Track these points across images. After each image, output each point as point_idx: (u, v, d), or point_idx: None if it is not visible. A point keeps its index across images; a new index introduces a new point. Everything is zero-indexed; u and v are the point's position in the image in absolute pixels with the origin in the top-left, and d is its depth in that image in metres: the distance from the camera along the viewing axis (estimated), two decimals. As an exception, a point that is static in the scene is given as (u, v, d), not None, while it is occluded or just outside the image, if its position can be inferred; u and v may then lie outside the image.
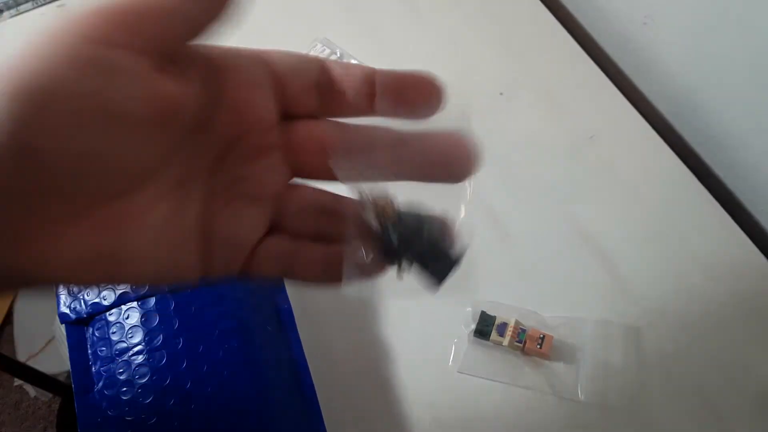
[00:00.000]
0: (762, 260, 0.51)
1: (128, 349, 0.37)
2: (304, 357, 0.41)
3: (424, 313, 0.48)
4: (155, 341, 0.37)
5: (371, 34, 0.64)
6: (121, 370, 0.37)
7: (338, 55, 0.61)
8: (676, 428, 0.44)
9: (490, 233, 0.52)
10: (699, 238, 0.52)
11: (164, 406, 0.35)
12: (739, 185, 0.56)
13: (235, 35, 0.59)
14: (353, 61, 0.61)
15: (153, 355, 0.37)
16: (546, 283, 0.50)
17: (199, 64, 0.24)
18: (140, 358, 0.37)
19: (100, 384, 0.37)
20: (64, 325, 0.39)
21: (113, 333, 0.38)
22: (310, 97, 0.26)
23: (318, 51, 0.61)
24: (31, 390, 1.30)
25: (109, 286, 0.39)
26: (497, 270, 0.50)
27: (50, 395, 1.29)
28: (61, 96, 0.19)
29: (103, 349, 0.38)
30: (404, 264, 0.25)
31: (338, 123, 0.27)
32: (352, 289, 0.26)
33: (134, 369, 0.36)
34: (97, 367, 0.38)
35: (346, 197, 0.27)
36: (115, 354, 0.37)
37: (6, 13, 0.66)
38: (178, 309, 0.38)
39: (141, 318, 0.38)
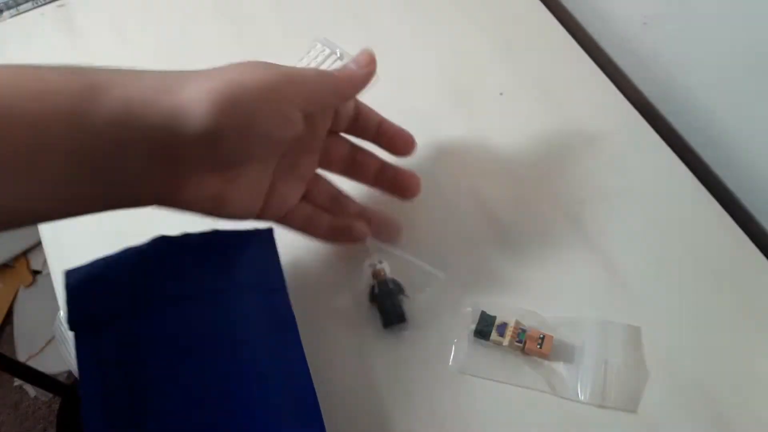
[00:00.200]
0: (762, 260, 0.51)
1: (132, 357, 0.37)
2: (304, 360, 0.41)
3: (423, 314, 0.48)
4: (158, 349, 0.37)
5: (371, 34, 0.64)
6: (125, 380, 0.36)
7: (338, 54, 0.61)
8: (676, 429, 0.44)
9: (490, 233, 0.52)
10: (699, 238, 0.52)
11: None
12: (738, 185, 0.56)
13: (236, 36, 0.59)
14: (353, 61, 0.61)
15: (156, 365, 0.36)
16: (546, 283, 0.50)
17: None
18: (144, 373, 0.36)
19: (108, 391, 0.37)
20: (72, 332, 0.39)
21: (120, 341, 0.37)
22: (346, 123, 0.45)
23: (318, 50, 0.61)
24: (31, 390, 1.31)
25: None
26: (497, 270, 0.50)
27: (50, 395, 1.29)
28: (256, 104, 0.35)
29: (112, 357, 0.37)
30: (376, 305, 0.47)
31: (350, 142, 0.47)
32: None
33: (139, 382, 0.36)
34: (105, 373, 0.37)
35: (346, 193, 0.47)
36: (121, 363, 0.37)
37: (6, 13, 0.66)
38: (188, 323, 0.38)
39: (147, 333, 0.37)
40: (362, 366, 0.46)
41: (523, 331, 0.46)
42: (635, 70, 0.63)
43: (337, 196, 0.47)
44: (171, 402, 0.35)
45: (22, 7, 0.67)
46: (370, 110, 0.46)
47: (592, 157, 0.56)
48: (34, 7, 0.67)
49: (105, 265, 0.40)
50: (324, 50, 0.61)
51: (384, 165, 0.48)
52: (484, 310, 0.47)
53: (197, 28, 0.65)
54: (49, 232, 0.53)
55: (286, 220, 0.44)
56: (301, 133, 0.37)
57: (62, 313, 0.47)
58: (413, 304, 0.48)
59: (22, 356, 1.30)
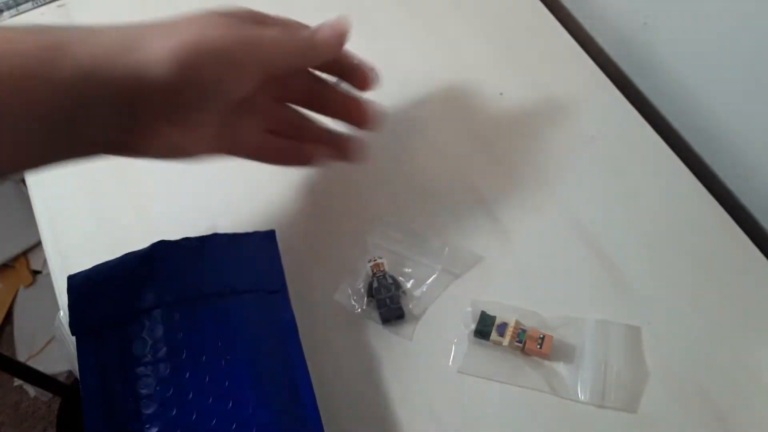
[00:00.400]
0: (762, 260, 0.51)
1: (134, 362, 0.37)
2: (304, 362, 0.41)
3: (423, 313, 0.48)
4: (159, 354, 0.37)
5: (370, 33, 0.64)
6: (126, 385, 0.36)
7: (338, 55, 0.61)
8: (676, 429, 0.44)
9: (490, 233, 0.52)
10: (699, 238, 0.52)
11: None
12: (739, 185, 0.56)
13: (235, 35, 0.56)
14: (353, 61, 0.61)
15: (157, 368, 0.36)
16: (546, 283, 0.50)
17: None
18: (145, 377, 0.36)
19: (110, 396, 0.37)
20: (75, 337, 0.39)
21: (122, 346, 0.37)
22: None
23: (318, 51, 0.61)
24: (30, 390, 1.31)
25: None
26: (497, 270, 0.50)
27: (50, 395, 1.29)
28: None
29: (114, 361, 0.37)
30: (374, 300, 0.48)
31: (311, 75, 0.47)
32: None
33: (140, 386, 0.36)
34: (106, 379, 0.37)
35: (309, 118, 0.47)
36: (123, 367, 0.37)
37: (6, 13, 0.66)
38: (183, 323, 0.38)
39: (146, 336, 0.37)
40: (362, 365, 0.46)
41: (523, 331, 0.46)
42: (635, 70, 0.63)
43: (301, 122, 0.47)
44: (170, 405, 0.35)
45: (21, 7, 0.66)
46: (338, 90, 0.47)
47: (592, 157, 0.56)
48: (34, 7, 0.67)
49: (106, 271, 0.40)
50: (324, 50, 0.61)
51: (345, 98, 0.48)
52: (484, 310, 0.47)
53: (197, 28, 0.65)
54: (49, 232, 0.53)
55: (250, 155, 0.46)
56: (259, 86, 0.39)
57: (62, 313, 0.47)
58: (412, 301, 0.48)
59: (22, 356, 1.30)
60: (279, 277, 0.44)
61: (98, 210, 0.54)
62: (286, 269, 0.50)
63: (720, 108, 0.55)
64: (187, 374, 0.36)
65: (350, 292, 0.49)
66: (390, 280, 0.48)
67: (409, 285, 0.49)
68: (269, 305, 0.42)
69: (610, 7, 0.63)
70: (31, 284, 1.40)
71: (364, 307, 0.48)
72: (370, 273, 0.49)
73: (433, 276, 0.49)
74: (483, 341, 0.46)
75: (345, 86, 0.49)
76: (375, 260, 0.49)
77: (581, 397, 0.45)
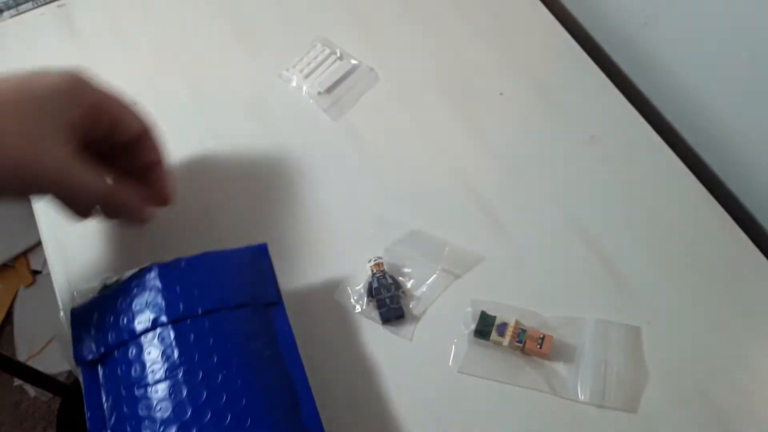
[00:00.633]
0: (762, 260, 0.51)
1: (133, 385, 0.38)
2: (305, 376, 0.41)
3: (423, 313, 0.48)
4: (157, 375, 0.37)
5: (371, 33, 0.64)
6: (127, 408, 0.37)
7: (338, 54, 0.61)
8: (676, 429, 0.44)
9: (490, 233, 0.52)
10: (699, 238, 0.52)
11: None
12: (739, 185, 0.56)
13: (236, 36, 0.59)
14: (353, 61, 0.61)
15: (155, 389, 0.37)
16: (546, 283, 0.50)
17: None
18: (145, 399, 0.37)
19: (112, 421, 0.38)
20: (80, 368, 0.40)
21: (119, 373, 0.38)
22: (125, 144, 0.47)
23: (318, 50, 0.61)
24: (30, 390, 1.30)
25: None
26: (497, 270, 0.50)
27: (50, 395, 1.29)
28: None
29: (114, 386, 0.38)
30: (374, 300, 0.48)
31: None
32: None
33: (141, 408, 0.37)
34: (109, 403, 0.38)
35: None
36: (124, 390, 0.38)
37: (6, 13, 0.66)
38: (179, 340, 0.39)
39: (146, 355, 0.38)
40: (362, 365, 0.46)
41: (523, 331, 0.46)
42: (635, 70, 0.63)
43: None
44: (170, 425, 0.36)
45: (22, 7, 0.66)
46: (151, 150, 0.47)
47: (592, 156, 0.56)
48: (34, 7, 0.67)
49: (104, 299, 0.41)
50: (324, 50, 0.61)
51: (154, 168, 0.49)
52: (484, 310, 0.47)
53: (196, 27, 0.65)
54: (50, 232, 0.53)
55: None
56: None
57: (62, 314, 0.48)
58: (412, 301, 0.48)
59: (22, 356, 1.30)
60: (274, 290, 0.44)
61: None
62: (286, 270, 0.50)
63: (720, 108, 0.55)
64: (185, 392, 0.37)
65: (350, 292, 0.49)
66: (390, 280, 0.48)
67: (409, 285, 0.49)
68: (266, 318, 0.42)
69: (611, 7, 0.63)
70: (31, 284, 1.40)
71: (364, 307, 0.48)
72: (370, 273, 0.49)
73: (433, 276, 0.49)
74: (483, 341, 0.46)
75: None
76: (375, 260, 0.49)
77: (581, 397, 0.45)
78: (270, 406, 0.38)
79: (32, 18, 0.66)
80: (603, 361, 0.46)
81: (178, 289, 0.40)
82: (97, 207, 0.44)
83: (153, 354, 0.38)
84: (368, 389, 0.45)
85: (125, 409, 0.37)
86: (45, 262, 1.35)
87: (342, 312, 0.48)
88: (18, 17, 0.66)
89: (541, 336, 0.45)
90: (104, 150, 0.45)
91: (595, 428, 0.44)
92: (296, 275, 0.50)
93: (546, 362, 0.46)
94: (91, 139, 0.43)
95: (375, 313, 0.48)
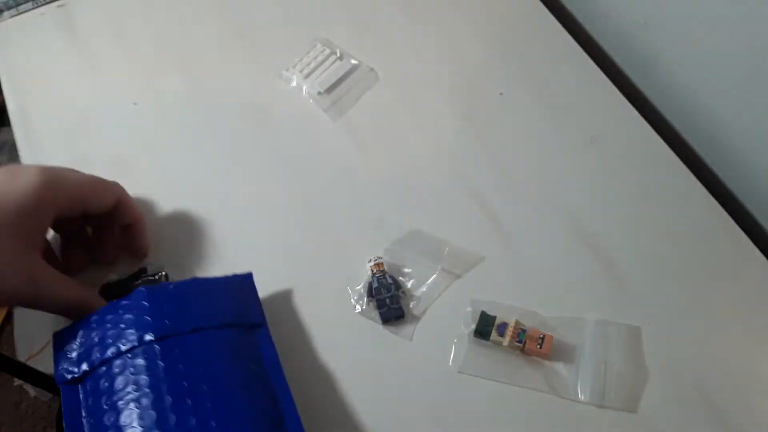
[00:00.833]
0: (762, 260, 0.51)
1: (116, 398, 0.38)
2: (289, 394, 0.42)
3: (423, 313, 0.48)
4: (142, 390, 0.38)
5: (371, 34, 0.64)
6: (108, 420, 0.37)
7: (338, 54, 0.61)
8: (676, 429, 0.44)
9: (490, 233, 0.52)
10: (699, 238, 0.52)
11: None
12: (739, 185, 0.56)
13: (236, 36, 0.59)
14: (353, 61, 0.61)
15: (138, 401, 0.37)
16: (546, 283, 0.50)
17: None
18: (128, 410, 0.37)
19: None
20: (60, 387, 0.41)
21: (103, 389, 0.39)
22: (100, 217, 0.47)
23: (318, 51, 0.61)
24: (30, 390, 1.30)
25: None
26: (497, 270, 0.50)
27: (50, 395, 1.29)
28: None
29: (96, 401, 0.39)
30: (374, 300, 0.48)
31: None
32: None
33: (123, 419, 0.37)
34: (90, 419, 0.38)
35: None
36: (106, 404, 0.38)
37: (6, 13, 0.66)
38: (165, 355, 0.39)
39: (131, 370, 0.39)
40: (362, 365, 0.46)
41: (523, 331, 0.46)
42: (635, 70, 0.63)
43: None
44: (153, 430, 0.36)
45: (22, 7, 0.66)
46: (126, 213, 0.48)
47: (592, 156, 0.56)
48: (35, 7, 0.67)
49: (89, 322, 0.42)
50: (324, 50, 0.61)
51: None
52: (484, 310, 0.47)
53: (197, 27, 0.65)
54: (50, 232, 0.53)
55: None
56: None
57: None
58: (412, 301, 0.48)
59: (22, 356, 1.30)
60: (258, 313, 0.45)
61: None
62: (286, 270, 0.50)
63: (720, 108, 0.55)
64: (169, 404, 0.37)
65: (350, 292, 0.49)
66: (390, 280, 0.48)
67: (409, 285, 0.49)
68: (250, 338, 0.43)
69: (611, 7, 0.63)
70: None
71: (364, 307, 0.48)
72: (370, 273, 0.49)
73: (433, 276, 0.49)
74: (483, 341, 0.46)
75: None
76: (375, 260, 0.49)
77: (581, 396, 0.45)
78: (253, 420, 0.38)
79: (32, 18, 0.66)
80: (603, 361, 0.46)
81: (165, 308, 0.41)
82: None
83: (138, 369, 0.38)
84: (368, 389, 0.45)
85: (106, 420, 0.37)
86: (45, 262, 1.35)
87: (342, 312, 0.48)
88: (18, 17, 0.66)
89: (541, 336, 0.45)
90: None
91: (595, 428, 0.44)
92: (296, 275, 0.50)
93: (546, 362, 0.46)
94: (66, 224, 0.45)
95: (375, 313, 0.48)
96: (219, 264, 0.50)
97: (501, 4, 0.66)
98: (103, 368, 0.39)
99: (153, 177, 0.55)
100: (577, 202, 0.54)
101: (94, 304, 0.44)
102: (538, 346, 0.45)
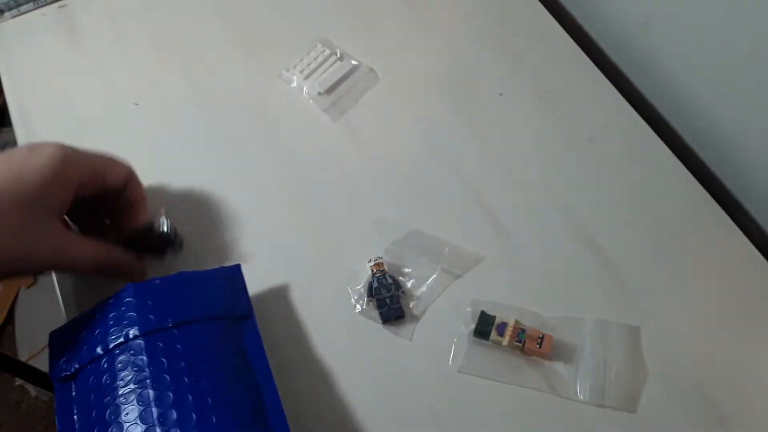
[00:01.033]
0: (761, 260, 0.51)
1: (103, 393, 0.39)
2: (272, 383, 0.42)
3: (423, 313, 0.48)
4: (128, 386, 0.38)
5: (371, 35, 0.64)
6: (96, 414, 0.38)
7: (338, 55, 0.61)
8: (675, 428, 0.44)
9: (490, 233, 0.52)
10: (697, 238, 0.52)
11: None
12: (737, 186, 0.56)
13: (237, 37, 0.59)
14: (353, 62, 0.61)
15: (124, 396, 0.38)
16: (545, 283, 0.50)
17: None
18: (115, 406, 0.38)
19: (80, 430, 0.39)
20: (54, 384, 0.42)
21: (92, 385, 0.40)
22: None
23: (318, 51, 0.61)
24: (31, 389, 1.31)
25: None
26: (497, 270, 0.50)
27: (51, 395, 1.29)
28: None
29: (85, 397, 0.40)
30: (374, 300, 0.48)
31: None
32: None
33: (108, 414, 0.38)
34: (79, 415, 0.39)
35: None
36: (94, 400, 0.39)
37: (7, 14, 0.66)
38: (150, 350, 0.40)
39: (117, 366, 0.39)
40: (362, 365, 0.46)
41: (523, 330, 0.46)
42: (634, 70, 0.63)
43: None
44: (138, 425, 0.37)
45: (23, 8, 0.67)
46: (134, 190, 0.49)
47: (591, 157, 0.56)
48: (36, 8, 0.67)
49: (82, 319, 0.43)
50: (324, 50, 0.62)
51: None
52: (484, 309, 0.47)
53: (197, 28, 0.65)
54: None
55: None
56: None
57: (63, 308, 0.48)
58: (412, 301, 0.49)
59: (23, 356, 1.31)
60: (245, 304, 0.45)
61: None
62: (286, 270, 0.50)
63: (718, 108, 0.56)
64: (152, 396, 0.38)
65: (350, 291, 0.49)
66: (390, 280, 0.48)
67: (409, 285, 0.49)
68: (236, 331, 0.44)
69: (610, 8, 0.63)
70: (32, 284, 1.40)
71: (365, 307, 0.48)
72: (371, 273, 0.49)
73: (433, 276, 0.50)
74: (483, 341, 0.46)
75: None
76: (375, 260, 0.49)
77: (581, 396, 0.45)
78: (235, 410, 0.39)
79: (33, 18, 0.66)
80: (602, 361, 0.46)
81: (150, 303, 0.42)
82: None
83: (123, 365, 0.39)
84: (368, 388, 0.45)
85: (93, 415, 0.38)
86: (46, 261, 1.35)
87: (342, 312, 0.49)
88: (19, 18, 0.66)
89: (541, 336, 0.46)
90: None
91: (595, 427, 0.44)
92: (297, 275, 0.50)
93: (545, 362, 0.46)
94: (80, 198, 0.45)
95: (375, 313, 0.48)
96: (219, 264, 0.50)
97: (500, 4, 0.66)
98: (93, 365, 0.40)
99: (153, 177, 0.55)
100: (576, 201, 0.54)
101: (122, 258, 0.46)
102: (538, 346, 0.45)
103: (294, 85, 0.60)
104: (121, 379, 0.39)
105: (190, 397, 0.38)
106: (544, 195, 0.54)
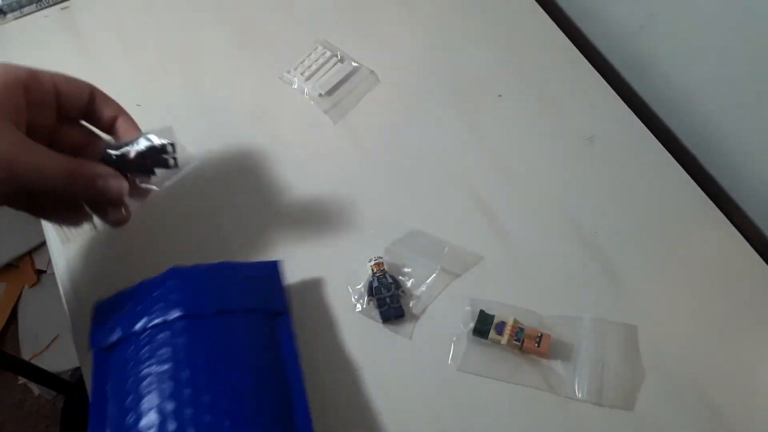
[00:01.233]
0: (757, 260, 0.51)
1: (140, 366, 0.40)
2: (302, 383, 0.43)
3: (423, 312, 0.49)
4: (163, 364, 0.39)
5: (371, 36, 0.65)
6: (131, 386, 0.39)
7: (339, 56, 0.62)
8: (672, 426, 0.45)
9: (489, 233, 0.53)
10: (695, 239, 0.52)
11: None
12: (735, 186, 0.57)
13: (238, 39, 0.60)
14: (353, 64, 0.61)
15: (160, 374, 0.39)
16: (544, 282, 0.50)
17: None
18: (148, 377, 0.39)
19: (114, 400, 0.40)
20: (93, 353, 0.43)
21: (128, 358, 0.41)
22: (78, 114, 0.45)
23: (319, 53, 0.62)
24: (35, 388, 1.31)
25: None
26: (496, 269, 0.51)
27: (54, 393, 1.29)
28: None
29: (122, 368, 0.41)
30: (374, 299, 0.48)
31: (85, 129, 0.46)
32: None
33: (143, 388, 0.39)
34: (113, 386, 0.41)
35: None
36: (131, 372, 0.40)
37: (10, 15, 0.67)
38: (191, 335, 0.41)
39: (155, 343, 0.40)
40: (362, 363, 0.47)
41: (521, 329, 0.46)
42: (632, 72, 0.64)
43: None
44: (168, 399, 0.38)
45: (25, 9, 0.67)
46: (106, 105, 0.45)
47: (589, 158, 0.56)
48: (38, 9, 0.67)
49: (126, 295, 0.44)
50: (325, 52, 0.62)
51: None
52: (483, 309, 0.47)
53: (199, 30, 0.65)
54: (54, 232, 0.53)
55: None
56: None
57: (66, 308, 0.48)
58: (412, 300, 0.49)
59: (26, 355, 1.31)
60: (282, 301, 0.46)
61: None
62: (286, 270, 0.50)
63: (716, 110, 0.56)
64: (187, 374, 0.39)
65: (351, 291, 0.50)
66: (390, 280, 0.49)
67: (409, 284, 0.50)
68: (271, 326, 0.45)
69: (608, 10, 0.63)
70: (35, 284, 1.41)
71: (365, 307, 0.49)
72: (371, 272, 0.49)
73: (433, 275, 0.50)
74: (482, 340, 0.47)
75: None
76: (375, 260, 0.49)
77: (579, 394, 0.45)
78: (261, 404, 0.39)
79: (36, 20, 0.67)
80: (600, 360, 0.46)
81: (192, 288, 0.43)
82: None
83: (161, 343, 0.40)
84: (368, 387, 0.46)
85: (127, 386, 0.39)
86: (49, 261, 1.36)
87: (342, 311, 0.49)
88: (22, 19, 0.67)
89: (539, 335, 0.46)
90: (61, 130, 0.44)
91: (593, 426, 0.45)
92: (297, 275, 0.50)
93: (544, 361, 0.47)
94: (40, 120, 0.41)
95: (375, 313, 0.48)
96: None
97: (500, 7, 0.66)
98: (132, 339, 0.41)
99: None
100: (574, 202, 0.54)
101: (95, 169, 0.41)
102: (536, 345, 0.46)
103: (295, 86, 0.61)
104: (158, 357, 0.40)
105: (222, 386, 0.39)
106: (542, 195, 0.55)
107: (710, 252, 0.52)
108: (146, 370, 0.39)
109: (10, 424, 1.28)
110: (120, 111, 0.46)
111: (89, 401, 0.41)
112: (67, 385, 1.14)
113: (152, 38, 0.65)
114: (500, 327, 0.46)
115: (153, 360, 0.39)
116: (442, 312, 0.49)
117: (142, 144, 0.42)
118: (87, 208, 0.45)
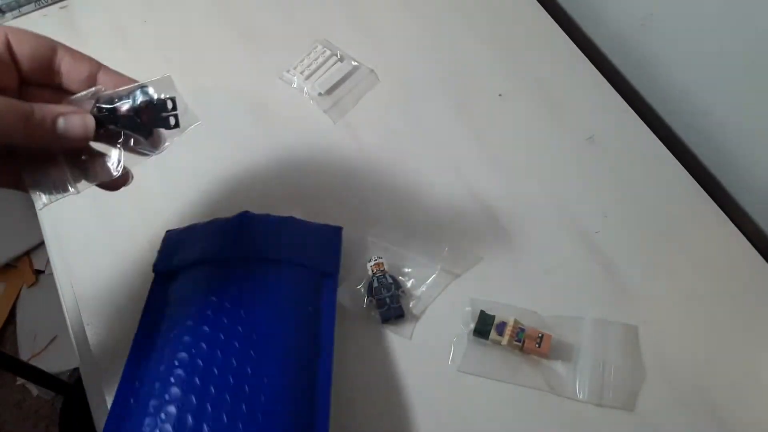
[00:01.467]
0: (758, 259, 0.51)
1: (197, 299, 0.43)
2: (332, 334, 0.45)
3: (423, 313, 0.49)
4: (211, 297, 0.43)
5: (371, 36, 0.64)
6: (179, 314, 0.43)
7: (338, 56, 0.62)
8: (673, 427, 0.44)
9: (489, 233, 0.52)
10: (696, 238, 0.52)
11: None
12: (735, 185, 0.57)
13: (238, 38, 0.59)
14: (353, 63, 0.61)
15: (207, 305, 0.42)
16: (545, 282, 0.50)
17: None
18: (195, 307, 0.43)
19: (165, 322, 0.43)
20: (154, 275, 0.47)
21: (184, 285, 0.45)
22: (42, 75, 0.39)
23: (318, 52, 0.62)
24: (33, 389, 1.31)
25: None
26: (496, 270, 0.51)
27: (53, 394, 1.29)
28: None
29: (174, 297, 0.45)
30: (374, 300, 0.48)
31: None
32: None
33: (188, 319, 0.42)
34: (167, 311, 0.44)
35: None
36: (182, 300, 0.44)
37: (8, 14, 0.67)
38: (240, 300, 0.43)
39: (214, 278, 0.44)
40: (362, 364, 0.47)
41: (522, 330, 0.46)
42: (633, 70, 0.63)
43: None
44: (203, 340, 0.41)
45: (24, 9, 0.67)
46: (77, 62, 0.39)
47: (590, 157, 0.56)
48: (37, 8, 0.67)
49: (197, 228, 0.49)
50: (324, 52, 0.62)
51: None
52: (483, 309, 0.47)
53: (199, 29, 0.65)
54: (52, 232, 0.53)
55: None
56: None
57: (64, 307, 0.48)
58: (412, 301, 0.49)
59: (24, 355, 1.31)
60: (334, 265, 0.49)
61: (100, 209, 0.54)
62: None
63: (717, 108, 0.56)
64: (241, 313, 0.42)
65: (350, 291, 0.49)
66: (390, 280, 0.49)
67: (409, 285, 0.50)
68: (317, 284, 0.47)
69: (608, 9, 0.63)
70: (33, 284, 1.41)
71: (364, 307, 0.49)
72: (370, 273, 0.49)
73: (433, 276, 0.50)
74: (482, 340, 0.47)
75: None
76: (375, 260, 0.49)
77: (579, 395, 0.45)
78: (288, 355, 0.42)
79: (35, 19, 0.67)
80: (601, 360, 0.46)
81: (255, 233, 0.47)
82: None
83: (218, 277, 0.44)
84: (368, 387, 0.46)
85: (180, 313, 0.43)
86: (48, 261, 1.35)
87: (342, 311, 0.49)
88: (20, 18, 0.67)
89: (540, 335, 0.46)
90: (27, 94, 0.37)
91: (593, 426, 0.44)
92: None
93: (544, 361, 0.46)
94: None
95: (375, 313, 0.48)
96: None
97: (500, 6, 0.66)
98: (192, 269, 0.46)
99: (154, 177, 0.55)
100: (575, 202, 0.54)
101: (43, 109, 0.35)
102: (537, 345, 0.46)
103: (294, 85, 0.61)
104: (208, 289, 0.43)
105: (264, 327, 0.42)
106: (543, 195, 0.54)
107: (711, 251, 0.51)
108: (200, 300, 0.42)
109: (9, 424, 1.28)
110: (96, 66, 0.39)
111: (139, 322, 0.44)
112: (65, 386, 1.14)
113: (151, 37, 0.65)
114: (501, 327, 0.46)
115: (203, 292, 0.43)
116: (443, 312, 0.49)
117: (139, 98, 0.36)
118: (66, 165, 0.38)
